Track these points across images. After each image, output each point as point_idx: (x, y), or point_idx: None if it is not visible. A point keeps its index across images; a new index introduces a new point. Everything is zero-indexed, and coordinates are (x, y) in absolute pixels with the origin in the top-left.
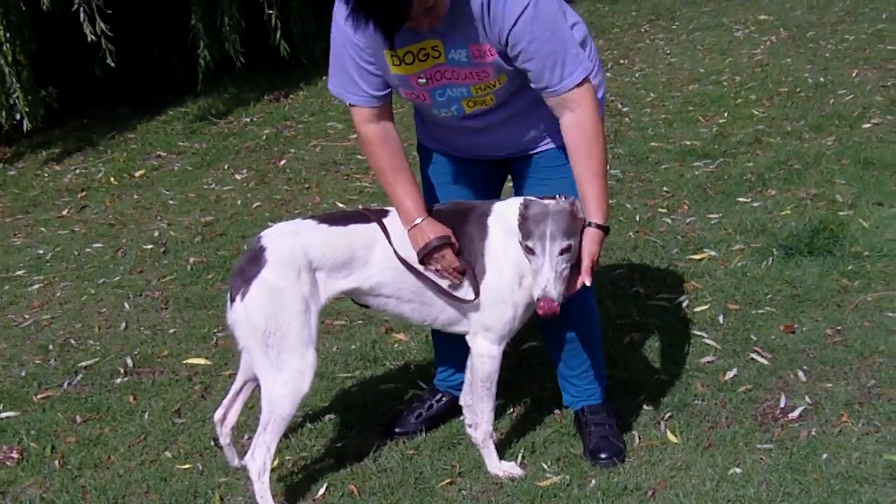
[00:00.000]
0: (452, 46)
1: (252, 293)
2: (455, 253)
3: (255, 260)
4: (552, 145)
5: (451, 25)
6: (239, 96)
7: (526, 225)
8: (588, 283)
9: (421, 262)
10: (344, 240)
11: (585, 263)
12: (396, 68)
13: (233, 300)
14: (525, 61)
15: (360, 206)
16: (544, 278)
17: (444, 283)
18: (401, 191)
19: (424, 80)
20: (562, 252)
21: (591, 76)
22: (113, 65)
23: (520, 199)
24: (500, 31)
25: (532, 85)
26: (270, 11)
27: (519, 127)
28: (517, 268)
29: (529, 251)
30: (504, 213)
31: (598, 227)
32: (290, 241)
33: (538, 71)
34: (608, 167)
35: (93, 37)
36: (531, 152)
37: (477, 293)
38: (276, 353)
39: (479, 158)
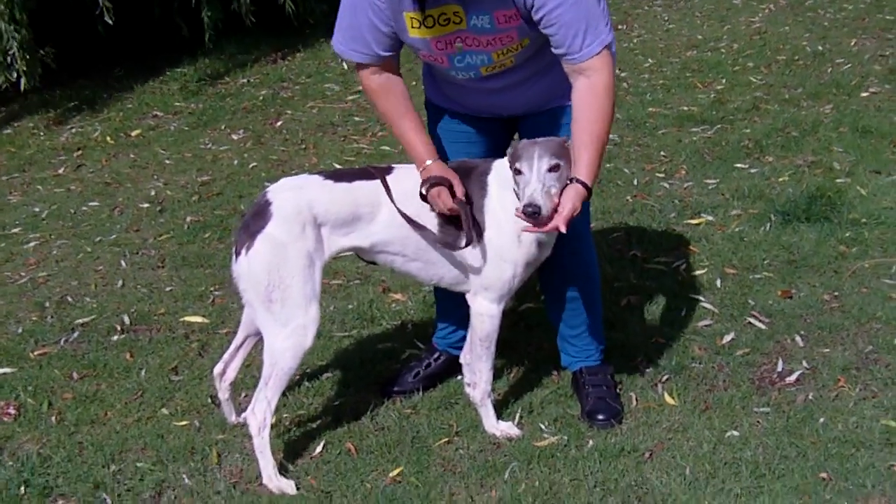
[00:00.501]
0: (475, 13)
1: (256, 247)
2: (462, 200)
3: (261, 214)
4: (564, 102)
5: None
6: (236, 57)
7: (516, 153)
8: (563, 230)
9: (423, 199)
10: (349, 196)
11: (562, 212)
12: (415, 31)
13: (237, 254)
14: (547, 26)
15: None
16: (531, 188)
17: (435, 227)
18: (411, 136)
19: (444, 46)
20: (549, 170)
21: (611, 46)
22: (111, 22)
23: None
24: None
25: (552, 49)
26: None
27: (536, 86)
28: (516, 224)
29: (518, 172)
30: (503, 170)
31: (583, 185)
32: (295, 196)
33: (560, 37)
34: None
35: None
36: (543, 109)
37: (470, 240)
38: (279, 307)
39: (489, 116)
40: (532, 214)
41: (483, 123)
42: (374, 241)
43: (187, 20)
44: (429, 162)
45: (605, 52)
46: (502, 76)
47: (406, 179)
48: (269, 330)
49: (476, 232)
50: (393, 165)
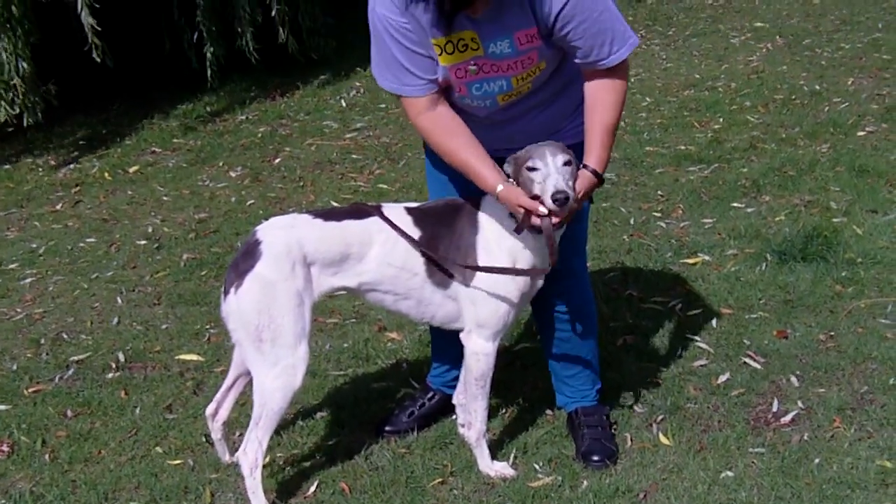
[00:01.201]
0: (492, 40)
1: (246, 286)
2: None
3: (250, 253)
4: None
5: (494, 13)
6: (236, 94)
7: (524, 156)
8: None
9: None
10: (339, 235)
11: (576, 195)
12: (440, 58)
13: (227, 293)
14: (575, 39)
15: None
16: (553, 178)
17: (422, 270)
18: (474, 164)
19: (463, 73)
20: (564, 164)
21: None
22: (98, 60)
23: None
24: (549, 13)
25: (576, 60)
26: (278, 7)
27: (541, 116)
28: (510, 257)
29: (531, 169)
30: (494, 203)
31: (594, 173)
32: (285, 235)
33: (586, 48)
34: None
35: (89, 30)
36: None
37: (555, 261)
38: (268, 346)
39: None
40: (562, 201)
41: None
42: (364, 280)
43: (189, 57)
44: (500, 188)
45: (625, 61)
46: (515, 105)
47: (395, 217)
48: (258, 370)
49: (470, 271)
50: (382, 204)
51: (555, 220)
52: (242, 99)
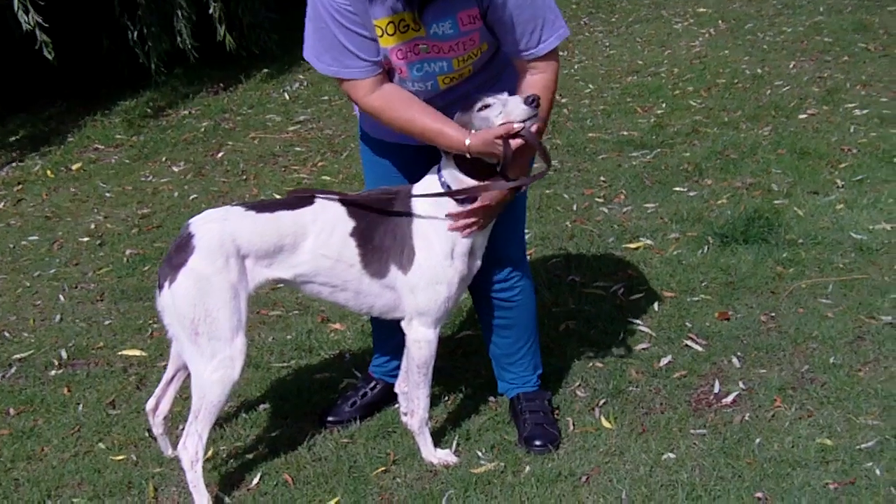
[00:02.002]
0: (434, 21)
1: (179, 280)
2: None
3: (183, 247)
4: None
5: None
6: (178, 90)
7: (465, 111)
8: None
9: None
10: (272, 226)
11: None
12: (381, 39)
13: (161, 287)
14: (504, 25)
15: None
16: (511, 98)
17: (357, 261)
18: (434, 126)
19: (404, 55)
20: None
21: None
22: (51, 57)
23: (436, 169)
24: None
25: (505, 48)
26: (215, 3)
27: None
28: (447, 242)
29: (484, 108)
30: (427, 187)
31: None
32: (217, 228)
33: (516, 35)
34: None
35: (28, 26)
36: None
37: (549, 164)
38: (205, 340)
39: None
40: (535, 101)
41: (411, 156)
42: (299, 272)
43: (131, 54)
44: (468, 142)
45: (556, 49)
46: (455, 89)
47: (329, 208)
48: (195, 363)
49: (407, 258)
50: (316, 193)
51: (534, 127)
52: (185, 94)
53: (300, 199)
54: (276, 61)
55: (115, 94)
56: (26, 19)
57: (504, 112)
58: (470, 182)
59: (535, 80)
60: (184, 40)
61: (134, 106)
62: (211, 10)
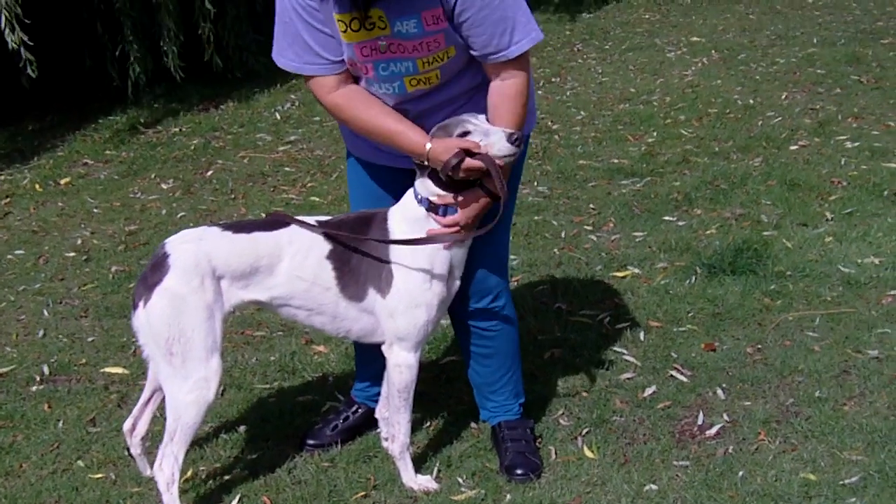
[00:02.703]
0: (398, 18)
1: (154, 300)
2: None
3: (158, 266)
4: None
5: None
6: (169, 106)
7: (448, 127)
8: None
9: (450, 178)
10: (249, 247)
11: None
12: (344, 35)
13: (136, 307)
14: (474, 26)
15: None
16: (493, 130)
17: (334, 284)
18: (398, 128)
19: (368, 52)
20: (487, 121)
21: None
22: (34, 75)
23: (412, 189)
24: None
25: (474, 52)
26: (205, 24)
27: (458, 112)
28: (427, 262)
29: (464, 135)
30: (403, 208)
31: None
32: (193, 248)
33: (486, 37)
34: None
35: (14, 45)
36: None
37: (505, 193)
38: (180, 360)
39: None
40: (518, 139)
41: (398, 177)
42: (275, 295)
43: (120, 70)
44: (429, 145)
45: (525, 54)
46: (426, 97)
47: (305, 231)
48: (170, 384)
49: (385, 281)
50: (297, 217)
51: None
52: (176, 111)
53: (277, 220)
54: (267, 80)
55: (105, 109)
56: (12, 37)
57: (486, 142)
58: (445, 194)
59: (506, 85)
60: (170, 60)
61: (124, 121)
62: (200, 31)
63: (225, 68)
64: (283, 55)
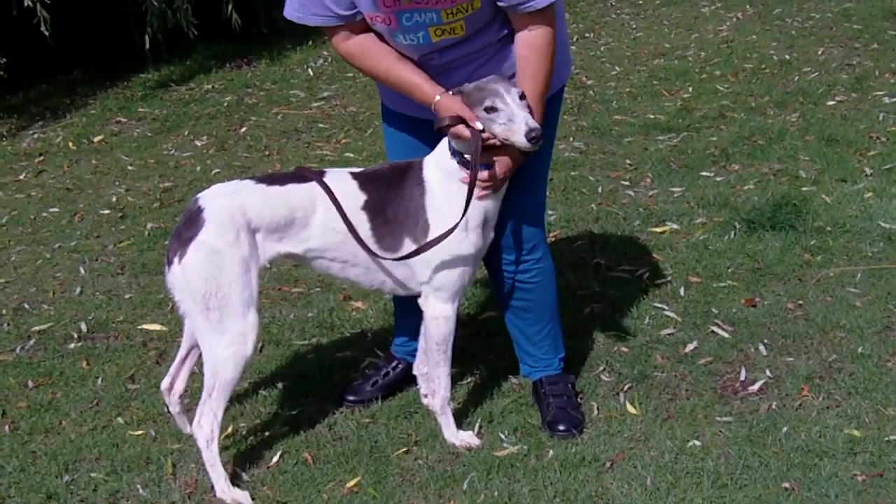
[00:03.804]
0: None
1: (190, 255)
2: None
3: (193, 221)
4: None
5: None
6: (200, 63)
7: (474, 95)
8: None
9: (440, 133)
10: (282, 200)
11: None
12: None
13: (170, 263)
14: None
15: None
16: (520, 116)
17: (368, 230)
18: (411, 78)
19: (392, 2)
20: (521, 97)
21: None
22: (47, 33)
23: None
24: None
25: (502, 2)
26: None
27: (485, 67)
28: (461, 214)
29: (491, 109)
30: (438, 158)
31: None
32: (228, 202)
33: None
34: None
35: (29, 2)
36: None
37: (475, 176)
38: (217, 315)
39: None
40: (537, 140)
41: (428, 126)
42: (309, 247)
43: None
44: (438, 98)
45: (552, 6)
46: (452, 49)
47: (339, 183)
48: (207, 340)
49: (422, 232)
50: (326, 169)
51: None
52: (208, 67)
53: (309, 173)
54: (299, 37)
55: (135, 66)
56: None
57: (507, 127)
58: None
59: (534, 35)
60: (183, 18)
61: (156, 77)
62: None
63: (251, 24)
64: (290, 5)
